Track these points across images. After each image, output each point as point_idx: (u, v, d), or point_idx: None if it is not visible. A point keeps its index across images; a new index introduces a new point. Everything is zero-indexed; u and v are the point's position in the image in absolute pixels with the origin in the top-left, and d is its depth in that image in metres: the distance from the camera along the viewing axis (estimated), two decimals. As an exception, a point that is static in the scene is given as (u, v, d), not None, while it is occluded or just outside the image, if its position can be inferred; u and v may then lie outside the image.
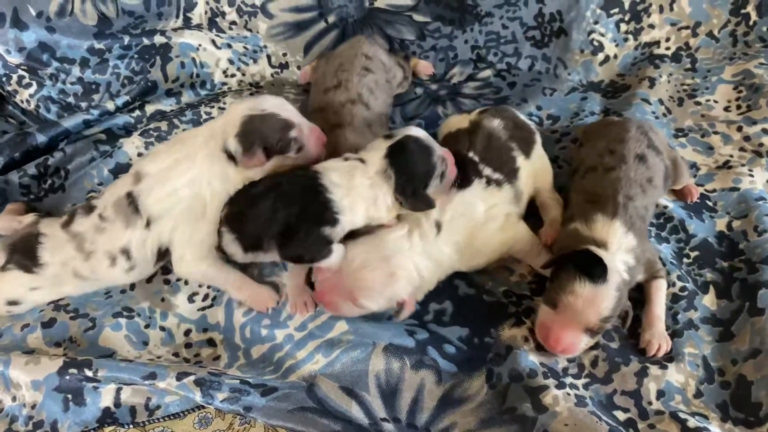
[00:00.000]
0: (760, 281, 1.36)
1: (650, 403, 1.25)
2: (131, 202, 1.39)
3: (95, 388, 1.31)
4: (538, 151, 1.60)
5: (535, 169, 1.57)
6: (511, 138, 1.53)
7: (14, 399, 1.33)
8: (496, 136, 1.52)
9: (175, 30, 2.06)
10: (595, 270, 1.23)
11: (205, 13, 2.06)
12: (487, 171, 1.45)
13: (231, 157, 1.36)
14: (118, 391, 1.32)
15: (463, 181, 1.41)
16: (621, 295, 1.25)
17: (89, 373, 1.29)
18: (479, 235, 1.40)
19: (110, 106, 1.97)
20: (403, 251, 1.33)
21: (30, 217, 1.59)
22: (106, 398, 1.31)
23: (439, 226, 1.37)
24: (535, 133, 1.62)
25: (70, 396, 1.30)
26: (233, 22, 2.08)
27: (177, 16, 2.05)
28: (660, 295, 1.36)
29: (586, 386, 1.28)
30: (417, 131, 1.39)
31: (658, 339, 1.31)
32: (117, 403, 1.31)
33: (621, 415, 1.23)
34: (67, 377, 1.30)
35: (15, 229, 1.58)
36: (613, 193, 1.37)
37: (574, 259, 1.27)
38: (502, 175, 1.46)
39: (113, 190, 1.45)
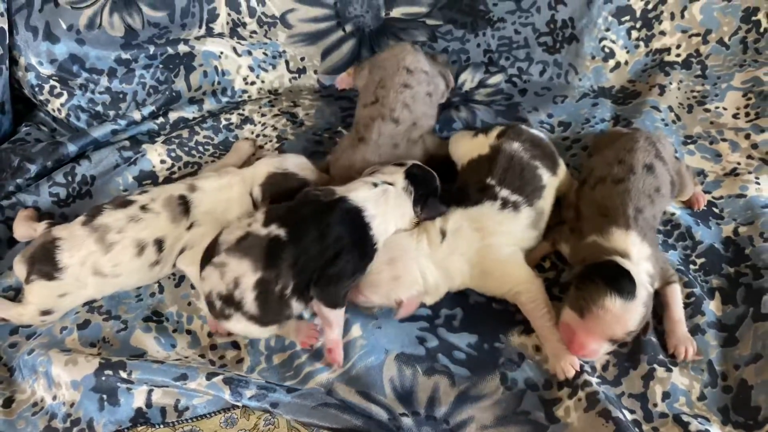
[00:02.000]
0: (765, 287, 1.39)
1: (655, 405, 1.29)
2: (183, 203, 1.56)
3: (129, 389, 1.38)
4: (563, 166, 1.62)
5: (560, 181, 1.60)
6: (534, 156, 1.54)
7: (54, 398, 1.40)
8: (518, 156, 1.52)
9: (198, 38, 2.13)
10: (625, 285, 1.25)
11: (227, 23, 2.12)
12: (504, 193, 1.47)
13: (254, 201, 1.60)
14: (150, 392, 1.38)
15: (466, 200, 1.48)
16: (647, 309, 1.29)
17: (123, 375, 1.36)
18: (488, 257, 1.43)
19: (137, 116, 2.05)
20: (408, 253, 1.42)
21: (43, 225, 1.63)
22: (138, 399, 1.38)
23: (443, 233, 1.44)
24: (552, 147, 1.63)
25: (105, 396, 1.37)
26: (254, 32, 2.14)
27: (200, 27, 2.11)
28: (676, 299, 1.39)
29: (598, 384, 1.32)
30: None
31: (684, 343, 1.34)
32: (149, 404, 1.38)
33: (628, 416, 1.27)
34: (103, 378, 1.37)
35: (32, 235, 1.64)
36: (623, 206, 1.40)
37: (602, 270, 1.29)
38: (522, 196, 1.48)
39: (163, 190, 1.60)
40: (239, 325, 1.36)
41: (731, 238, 1.55)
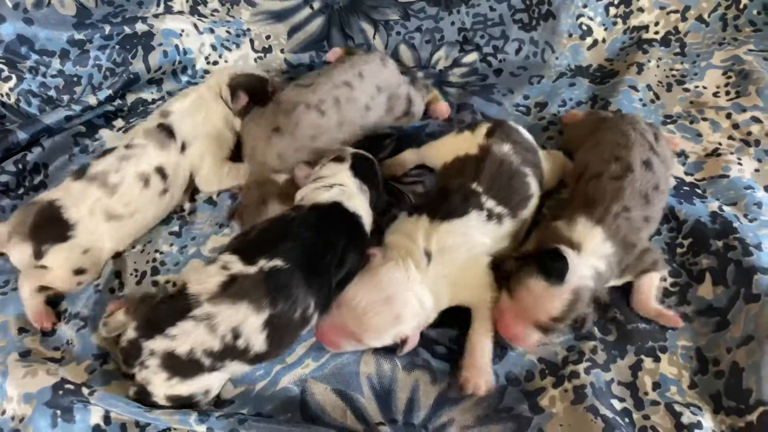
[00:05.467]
0: (755, 266, 1.35)
1: (646, 394, 1.26)
2: (164, 129, 1.61)
3: (85, 405, 1.26)
4: (543, 155, 1.57)
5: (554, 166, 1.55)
6: (524, 162, 1.46)
7: (3, 413, 1.29)
8: (507, 162, 1.44)
9: (156, 16, 2.01)
10: (554, 269, 1.23)
11: (186, 1, 2.02)
12: (489, 204, 1.38)
13: (226, 103, 1.71)
14: (108, 411, 1.27)
15: (451, 211, 1.36)
16: (577, 300, 1.24)
17: (85, 392, 1.25)
18: (471, 269, 1.34)
19: (92, 100, 1.92)
20: (402, 285, 1.27)
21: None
22: (95, 416, 1.26)
23: (428, 254, 1.31)
24: (539, 154, 1.56)
25: (59, 412, 1.25)
26: (215, 10, 2.04)
27: (158, 4, 2.00)
28: (647, 284, 1.37)
29: (587, 370, 1.28)
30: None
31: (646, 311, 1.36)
32: (107, 421, 1.26)
33: (618, 405, 1.24)
34: (60, 392, 1.25)
35: None
36: (609, 201, 1.35)
37: (539, 254, 1.27)
38: (507, 208, 1.39)
39: (138, 127, 1.65)
40: (231, 370, 1.25)
41: (717, 213, 1.49)
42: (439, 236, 1.33)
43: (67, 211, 1.47)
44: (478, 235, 1.35)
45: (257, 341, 1.20)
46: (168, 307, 1.21)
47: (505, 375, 1.30)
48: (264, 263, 1.23)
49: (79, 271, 1.48)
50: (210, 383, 1.25)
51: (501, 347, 1.34)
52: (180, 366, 1.19)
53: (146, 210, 1.57)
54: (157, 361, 1.18)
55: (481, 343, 1.30)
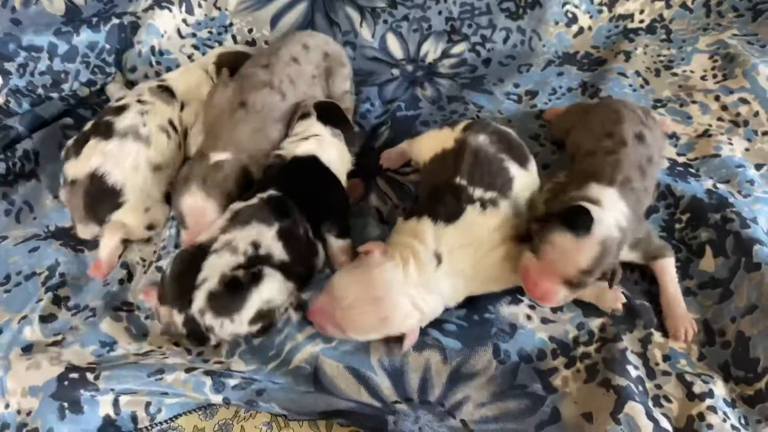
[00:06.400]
0: (754, 238, 1.37)
1: (657, 365, 1.27)
2: (165, 90, 1.70)
3: (92, 396, 1.24)
4: (534, 167, 1.53)
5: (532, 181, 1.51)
6: (500, 149, 1.44)
7: (7, 406, 1.26)
8: (484, 150, 1.42)
9: (145, 11, 1.98)
10: (579, 221, 1.21)
11: (174, -9, 1.98)
12: (478, 193, 1.36)
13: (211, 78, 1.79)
14: (116, 398, 1.26)
15: (451, 214, 1.33)
16: (605, 251, 1.21)
17: (90, 377, 1.23)
18: (486, 263, 1.31)
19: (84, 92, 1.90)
20: (395, 286, 1.24)
21: None
22: (104, 406, 1.25)
23: (438, 257, 1.28)
24: (521, 142, 1.54)
25: (66, 404, 1.23)
26: (202, -1, 2.01)
27: (146, -2, 1.97)
28: (667, 275, 1.36)
29: (598, 350, 1.29)
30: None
31: (682, 323, 1.31)
32: (117, 411, 1.25)
33: (633, 372, 1.24)
34: (66, 383, 1.23)
35: None
36: (612, 171, 1.36)
37: (562, 210, 1.25)
38: (495, 191, 1.37)
39: (140, 86, 1.73)
40: (273, 279, 1.31)
41: (712, 190, 1.52)
42: (447, 239, 1.30)
43: (110, 176, 1.50)
44: (482, 229, 1.32)
45: (276, 249, 1.33)
46: (188, 267, 1.31)
47: (517, 352, 1.29)
48: (261, 195, 1.40)
49: (150, 227, 1.56)
50: (261, 296, 1.29)
51: (510, 324, 1.33)
52: (222, 298, 1.26)
53: (176, 160, 1.64)
54: (209, 314, 1.26)
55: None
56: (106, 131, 1.55)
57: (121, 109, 1.60)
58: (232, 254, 1.30)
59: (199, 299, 1.27)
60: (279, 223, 1.35)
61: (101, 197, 1.50)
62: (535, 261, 1.25)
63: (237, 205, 1.40)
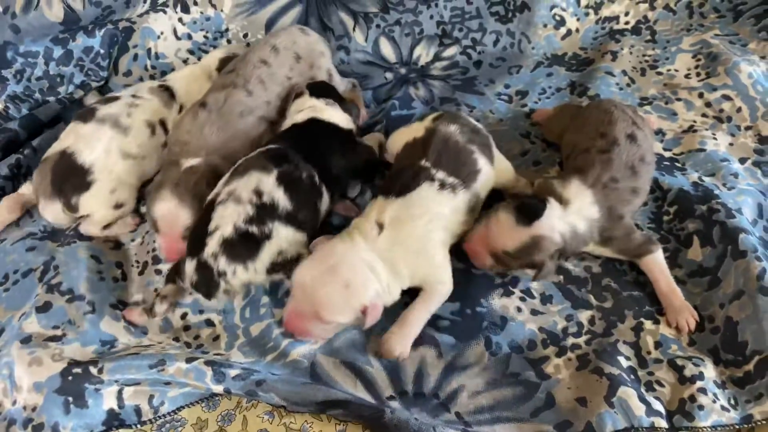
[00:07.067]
0: (739, 227, 1.41)
1: (649, 353, 1.30)
2: (166, 90, 1.73)
3: (96, 389, 1.25)
4: (498, 154, 1.57)
5: (498, 169, 1.54)
6: (470, 141, 1.47)
7: (14, 402, 1.27)
8: (453, 140, 1.45)
9: (140, 16, 2.01)
10: (525, 211, 1.30)
11: (170, -5, 2.02)
12: (440, 175, 1.38)
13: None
14: (120, 391, 1.27)
15: (404, 188, 1.36)
16: (535, 246, 1.29)
17: (94, 371, 1.25)
18: (429, 242, 1.33)
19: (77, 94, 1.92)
20: (347, 252, 1.27)
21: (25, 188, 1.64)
22: (108, 400, 1.26)
23: (380, 225, 1.31)
24: (489, 137, 1.57)
25: (71, 398, 1.24)
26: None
27: (144, 1, 2.00)
28: (656, 270, 1.39)
29: (588, 342, 1.33)
30: None
31: (682, 314, 1.34)
32: (121, 404, 1.26)
33: (624, 362, 1.27)
34: (70, 377, 1.25)
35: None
36: (599, 170, 1.41)
37: (522, 198, 1.37)
38: (458, 179, 1.39)
39: (140, 85, 1.76)
40: (282, 233, 1.35)
41: (698, 183, 1.56)
42: (392, 209, 1.33)
43: (81, 155, 1.52)
44: (434, 205, 1.35)
45: (280, 196, 1.36)
46: (200, 220, 1.37)
47: (507, 344, 1.33)
48: (260, 149, 1.46)
49: (117, 206, 1.57)
50: (272, 249, 1.34)
51: (501, 317, 1.36)
52: (237, 246, 1.31)
53: (152, 157, 1.64)
54: (223, 258, 1.30)
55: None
56: (86, 116, 1.59)
57: (111, 100, 1.65)
58: (237, 203, 1.33)
59: (213, 244, 1.31)
60: (278, 169, 1.38)
61: (68, 174, 1.51)
62: (482, 226, 1.36)
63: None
